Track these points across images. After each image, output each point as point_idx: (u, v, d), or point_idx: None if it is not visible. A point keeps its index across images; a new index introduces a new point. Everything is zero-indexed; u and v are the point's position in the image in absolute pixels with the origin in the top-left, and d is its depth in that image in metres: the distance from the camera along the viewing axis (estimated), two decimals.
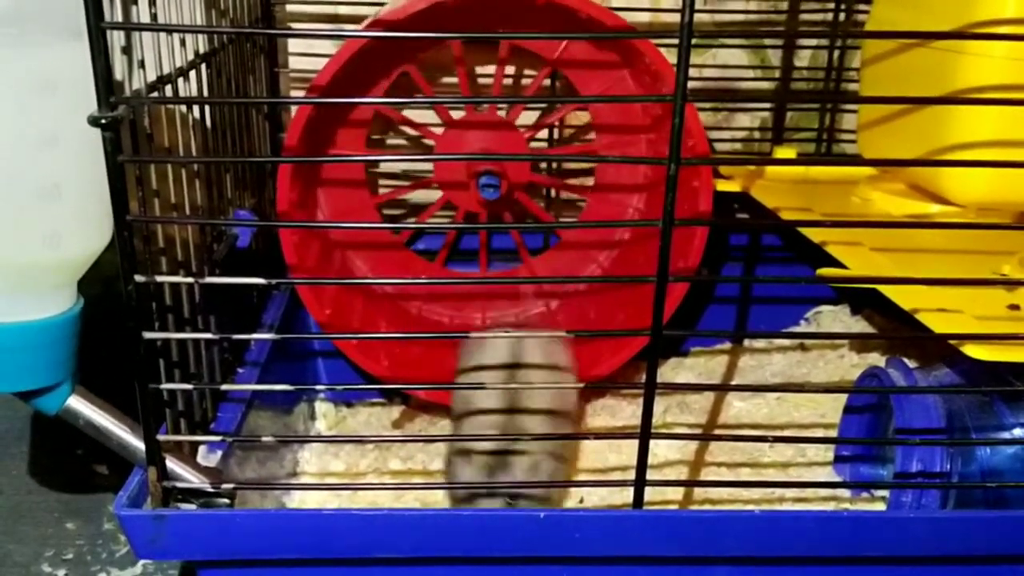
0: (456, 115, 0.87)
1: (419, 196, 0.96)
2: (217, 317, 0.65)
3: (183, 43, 0.59)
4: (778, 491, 0.72)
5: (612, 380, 0.84)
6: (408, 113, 0.91)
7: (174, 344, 0.57)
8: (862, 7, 0.98)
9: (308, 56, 0.94)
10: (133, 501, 0.52)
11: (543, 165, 0.98)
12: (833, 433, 0.78)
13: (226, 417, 0.64)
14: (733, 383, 0.92)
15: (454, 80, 0.95)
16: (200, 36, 0.64)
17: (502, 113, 0.88)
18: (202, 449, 0.59)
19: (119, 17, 0.49)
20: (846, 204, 0.83)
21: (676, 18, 0.44)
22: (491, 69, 0.97)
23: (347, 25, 0.95)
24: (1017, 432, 0.63)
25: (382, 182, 0.99)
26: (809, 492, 0.72)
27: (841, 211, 0.81)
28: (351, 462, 0.78)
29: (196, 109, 0.64)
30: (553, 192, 1.00)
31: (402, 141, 0.99)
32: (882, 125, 0.82)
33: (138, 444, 0.54)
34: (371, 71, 0.82)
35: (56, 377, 0.53)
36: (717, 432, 0.82)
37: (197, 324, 0.61)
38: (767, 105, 1.05)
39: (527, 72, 0.97)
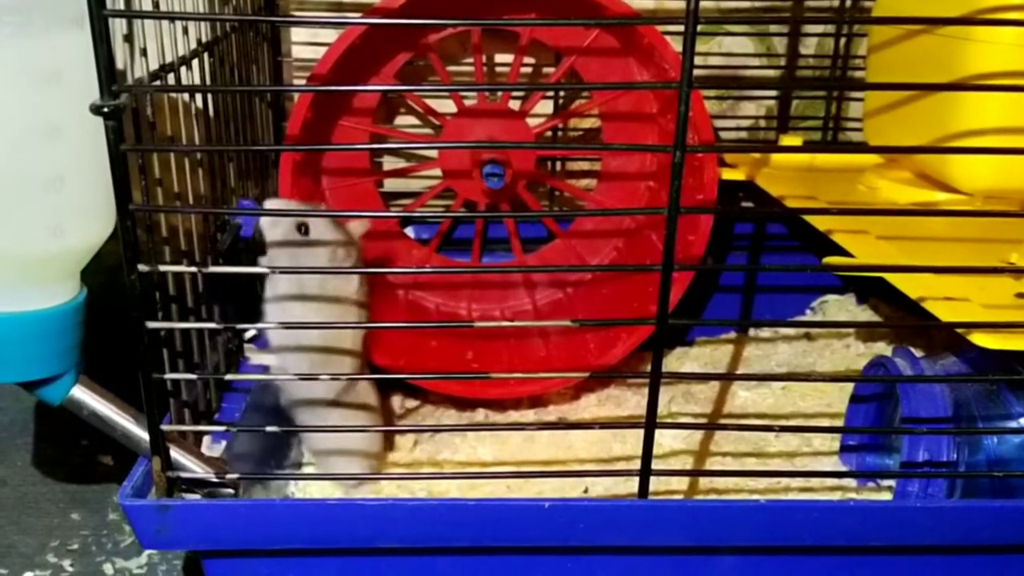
0: (466, 103, 0.87)
1: (421, 183, 0.95)
2: (221, 307, 0.65)
3: (186, 31, 0.59)
4: (784, 481, 0.71)
5: (617, 370, 0.84)
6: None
7: (178, 334, 0.57)
8: None
9: (311, 45, 0.93)
10: (138, 491, 0.52)
11: (547, 166, 0.98)
12: (839, 423, 0.78)
13: (230, 407, 0.64)
14: (738, 372, 0.92)
15: (460, 68, 0.95)
16: (203, 24, 0.64)
17: (515, 104, 0.87)
18: (206, 439, 0.59)
19: (121, 5, 0.49)
20: (852, 192, 0.83)
21: (681, 5, 0.44)
22: (498, 58, 0.96)
23: (351, 13, 0.94)
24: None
25: (388, 158, 0.99)
26: (815, 482, 0.71)
27: (847, 199, 0.81)
28: None
29: (199, 98, 0.64)
30: (557, 191, 1.00)
31: (411, 120, 0.98)
32: (888, 113, 0.82)
33: (142, 434, 0.54)
34: (374, 58, 0.82)
35: (60, 367, 0.53)
36: (722, 422, 0.82)
37: (201, 314, 0.61)
38: (773, 93, 1.04)
39: (532, 62, 0.97)
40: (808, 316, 0.99)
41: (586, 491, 0.71)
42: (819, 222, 0.73)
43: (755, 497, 0.68)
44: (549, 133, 0.96)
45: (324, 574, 0.56)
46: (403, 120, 0.98)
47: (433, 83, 0.94)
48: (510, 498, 0.67)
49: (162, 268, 0.48)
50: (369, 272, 0.84)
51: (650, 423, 0.52)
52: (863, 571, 0.57)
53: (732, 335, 0.98)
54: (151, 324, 0.49)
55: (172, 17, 0.56)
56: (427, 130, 0.97)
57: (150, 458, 0.52)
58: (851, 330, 0.94)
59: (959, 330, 0.55)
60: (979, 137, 0.70)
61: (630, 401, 0.85)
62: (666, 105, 0.84)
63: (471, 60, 0.94)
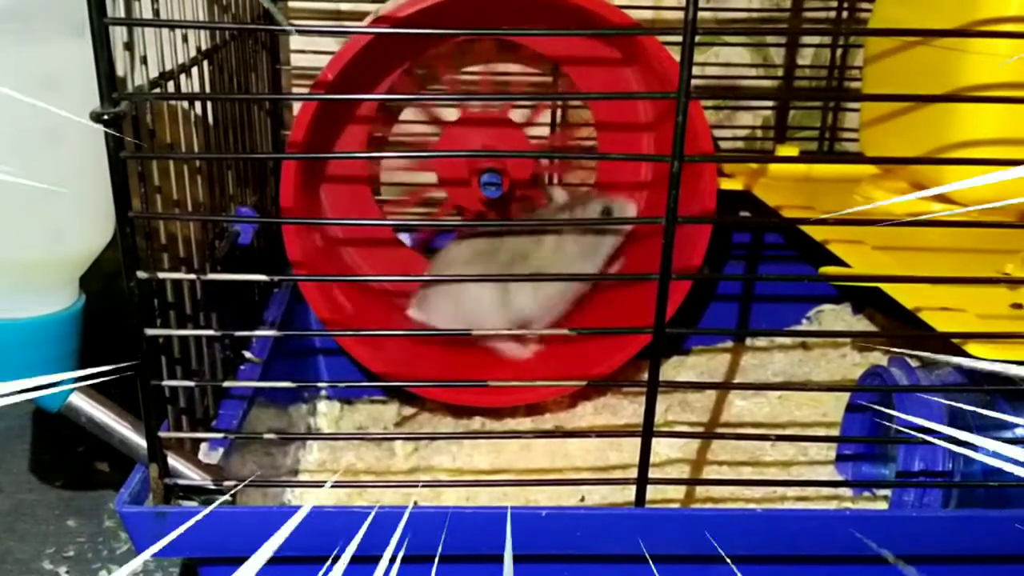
0: (457, 114, 0.87)
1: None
2: (219, 314, 0.65)
3: (185, 39, 0.59)
4: (780, 490, 0.72)
5: (614, 379, 0.84)
6: (411, 112, 0.91)
7: (176, 341, 0.57)
8: (865, 5, 0.98)
9: (310, 53, 0.94)
10: (135, 498, 0.52)
11: (544, 161, 0.98)
12: (835, 432, 0.78)
13: (227, 414, 0.64)
14: (735, 382, 0.92)
15: (459, 77, 0.95)
16: (202, 32, 0.64)
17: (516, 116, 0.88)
18: (203, 446, 0.59)
19: (121, 13, 0.49)
20: (848, 202, 0.83)
21: (679, 15, 0.44)
22: (498, 68, 0.96)
23: (349, 22, 0.95)
24: (1020, 431, 0.63)
25: (384, 191, 0.99)
26: (811, 491, 0.72)
27: (843, 209, 0.81)
28: (352, 459, 0.78)
29: (198, 105, 0.64)
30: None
31: (414, 129, 0.98)
32: (885, 123, 0.82)
33: (140, 441, 0.54)
34: (375, 68, 0.82)
35: (58, 374, 0.53)
36: (719, 431, 0.82)
37: (199, 321, 0.61)
38: (769, 103, 1.05)
39: (531, 70, 0.97)
40: (804, 326, 1.00)
41: (582, 499, 0.71)
42: (815, 232, 0.73)
43: (751, 506, 0.68)
44: (546, 131, 0.96)
45: None
46: (404, 129, 0.98)
47: (432, 92, 0.94)
48: (507, 506, 0.67)
49: (161, 275, 0.48)
50: (369, 279, 0.84)
51: (647, 432, 0.52)
52: None
53: (729, 344, 0.98)
54: (149, 331, 0.49)
55: (172, 25, 0.56)
56: (430, 128, 0.97)
57: (147, 465, 0.52)
58: (847, 340, 0.94)
59: (955, 340, 0.55)
60: (975, 148, 0.71)
61: (627, 410, 0.86)
62: (664, 115, 0.84)
63: (469, 69, 0.94)
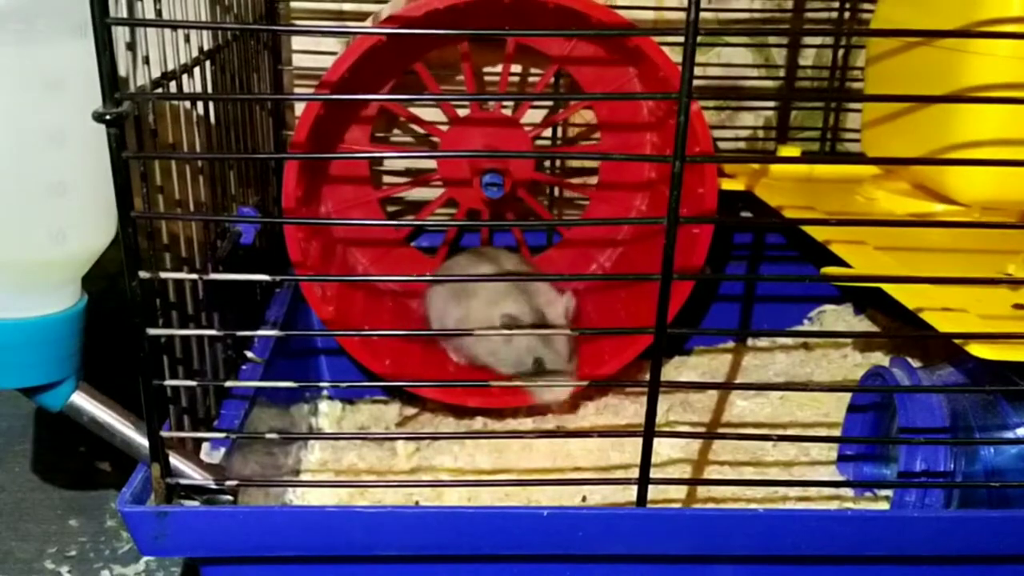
0: (461, 113, 0.87)
1: (420, 193, 0.95)
2: (221, 314, 0.65)
3: (187, 39, 0.59)
4: (781, 490, 0.72)
5: (615, 379, 0.84)
6: (414, 111, 0.92)
7: (178, 341, 0.57)
8: (867, 6, 0.98)
9: (312, 53, 0.94)
10: (136, 498, 0.52)
11: (547, 164, 0.98)
12: (836, 432, 0.78)
13: (229, 414, 0.64)
14: (736, 382, 0.92)
15: (460, 78, 0.95)
16: (204, 32, 0.64)
17: (507, 111, 0.88)
18: (205, 446, 0.59)
19: (124, 13, 0.49)
20: (850, 203, 0.83)
21: (680, 16, 0.44)
22: (498, 68, 0.96)
23: (351, 22, 0.95)
24: (1021, 432, 0.63)
25: (386, 179, 0.99)
26: (812, 491, 0.72)
27: (845, 210, 0.81)
28: (353, 459, 0.78)
29: (200, 106, 0.64)
30: (556, 191, 1.00)
31: (408, 139, 0.99)
32: (886, 124, 0.82)
33: (141, 441, 0.54)
34: (379, 69, 0.82)
35: (60, 373, 0.53)
36: (720, 431, 0.82)
37: (201, 321, 0.61)
38: (771, 104, 1.05)
39: (533, 71, 0.97)
40: (806, 326, 1.00)
41: (584, 499, 0.71)
42: (817, 232, 0.73)
43: (753, 506, 0.68)
44: (548, 132, 0.96)
45: None
46: (406, 137, 0.99)
47: (432, 93, 0.94)
48: (509, 506, 0.68)
49: (163, 275, 0.49)
50: (369, 279, 0.84)
51: (648, 432, 0.52)
52: None
53: (730, 344, 0.98)
54: (151, 331, 0.49)
55: (174, 25, 0.56)
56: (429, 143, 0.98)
57: (149, 465, 0.52)
58: (848, 340, 0.94)
59: (956, 341, 0.55)
60: (976, 149, 0.71)
61: (628, 410, 0.85)
62: (665, 116, 0.84)
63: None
